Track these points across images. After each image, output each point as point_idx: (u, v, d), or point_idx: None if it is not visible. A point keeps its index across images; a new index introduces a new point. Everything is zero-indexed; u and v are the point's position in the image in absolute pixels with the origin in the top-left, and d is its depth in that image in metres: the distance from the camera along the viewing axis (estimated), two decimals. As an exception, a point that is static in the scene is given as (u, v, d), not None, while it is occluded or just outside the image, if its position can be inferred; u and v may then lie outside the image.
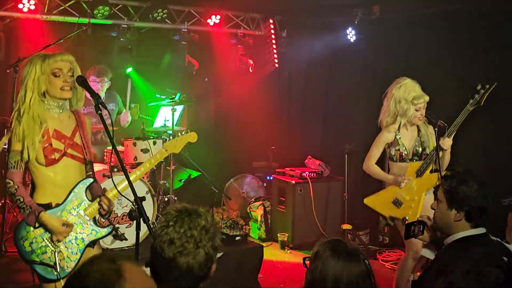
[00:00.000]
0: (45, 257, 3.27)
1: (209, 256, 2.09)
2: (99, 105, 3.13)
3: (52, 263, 3.26)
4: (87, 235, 3.40)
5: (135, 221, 2.89)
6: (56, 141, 3.35)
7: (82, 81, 3.31)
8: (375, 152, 4.93)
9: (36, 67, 3.27)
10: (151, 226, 3.16)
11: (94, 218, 3.45)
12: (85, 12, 6.80)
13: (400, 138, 4.82)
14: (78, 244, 3.37)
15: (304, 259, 2.40)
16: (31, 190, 3.40)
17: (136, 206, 2.91)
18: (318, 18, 7.83)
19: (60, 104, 3.39)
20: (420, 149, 4.82)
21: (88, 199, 3.43)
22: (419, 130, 4.87)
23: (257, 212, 7.17)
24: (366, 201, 5.03)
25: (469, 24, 6.14)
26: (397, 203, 4.81)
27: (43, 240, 3.27)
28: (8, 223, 5.94)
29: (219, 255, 2.21)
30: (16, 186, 3.25)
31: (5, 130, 5.95)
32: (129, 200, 3.23)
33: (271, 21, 8.25)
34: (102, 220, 3.54)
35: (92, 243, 3.45)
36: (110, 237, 5.47)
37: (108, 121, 3.18)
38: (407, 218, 4.71)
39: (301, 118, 8.49)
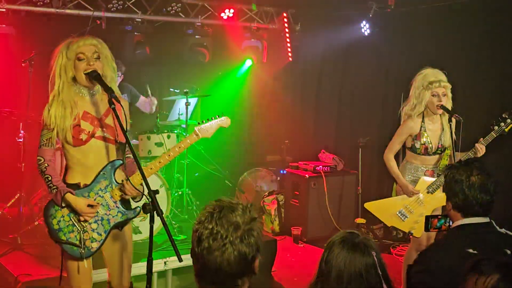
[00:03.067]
0: (71, 236, 3.32)
1: (241, 253, 2.01)
2: (113, 100, 3.14)
3: (78, 243, 3.31)
4: (113, 216, 3.40)
5: (149, 214, 2.90)
6: (85, 122, 3.35)
7: (96, 76, 3.32)
8: (397, 143, 4.80)
9: (62, 54, 3.33)
10: (165, 219, 3.16)
11: (122, 200, 3.42)
12: (99, 6, 6.83)
13: (425, 130, 4.68)
14: (103, 225, 3.38)
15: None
16: (65, 170, 3.46)
17: (150, 200, 2.92)
18: (332, 11, 7.78)
19: (89, 89, 3.40)
20: (445, 144, 4.69)
21: (116, 181, 3.41)
22: (442, 125, 4.74)
23: (271, 206, 7.17)
24: (367, 205, 4.90)
25: (486, 16, 6.07)
26: (402, 215, 4.70)
27: (70, 219, 3.32)
28: (23, 217, 6.00)
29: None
30: (46, 164, 3.30)
31: (21, 124, 6.00)
32: (143, 194, 3.24)
33: (284, 14, 8.22)
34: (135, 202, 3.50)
35: (120, 225, 3.47)
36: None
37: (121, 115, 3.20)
38: (412, 233, 4.62)
39: (315, 112, 8.46)
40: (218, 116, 3.63)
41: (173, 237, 2.95)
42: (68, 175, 3.41)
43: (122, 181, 3.38)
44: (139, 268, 4.64)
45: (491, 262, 1.88)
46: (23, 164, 5.75)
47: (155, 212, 2.90)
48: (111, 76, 3.42)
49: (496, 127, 4.46)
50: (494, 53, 6.05)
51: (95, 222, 3.37)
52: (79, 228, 3.33)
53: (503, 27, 5.92)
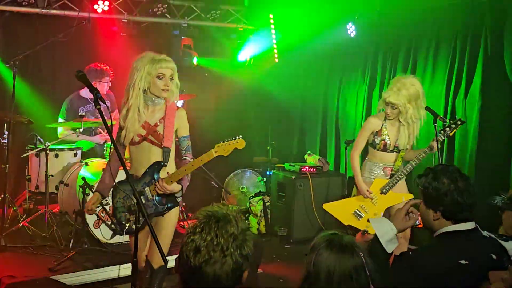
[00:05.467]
0: (122, 215, 3.95)
1: (238, 264, 1.99)
2: (98, 100, 3.13)
3: (124, 222, 3.91)
4: (149, 207, 3.87)
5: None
6: (140, 128, 3.93)
7: (81, 76, 3.30)
8: (362, 139, 5.11)
9: (146, 68, 3.83)
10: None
11: (159, 195, 3.89)
12: (85, 6, 6.80)
13: (386, 127, 4.98)
14: None
15: (305, 254, 2.34)
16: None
17: (135, 201, 2.91)
18: (318, 12, 7.80)
19: (153, 99, 3.93)
20: (400, 146, 4.96)
21: (156, 179, 3.90)
22: (399, 129, 4.98)
23: (257, 207, 7.17)
24: (326, 206, 5.25)
25: (470, 19, 6.11)
26: (357, 215, 5.07)
27: (122, 202, 3.95)
28: (8, 218, 5.94)
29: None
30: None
31: (5, 124, 5.94)
32: (128, 195, 3.23)
33: (271, 16, 8.24)
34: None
35: (154, 215, 3.92)
36: (110, 232, 5.48)
37: (106, 115, 3.19)
38: (367, 231, 4.72)
39: (301, 113, 8.48)
40: (235, 138, 4.33)
41: (157, 239, 2.95)
42: (131, 166, 4.07)
43: (158, 179, 3.89)
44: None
45: None
46: (7, 165, 5.69)
47: (140, 212, 2.90)
48: (176, 92, 4.00)
49: (442, 132, 4.78)
50: (477, 55, 6.09)
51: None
52: (125, 209, 3.92)
53: (485, 29, 5.96)
